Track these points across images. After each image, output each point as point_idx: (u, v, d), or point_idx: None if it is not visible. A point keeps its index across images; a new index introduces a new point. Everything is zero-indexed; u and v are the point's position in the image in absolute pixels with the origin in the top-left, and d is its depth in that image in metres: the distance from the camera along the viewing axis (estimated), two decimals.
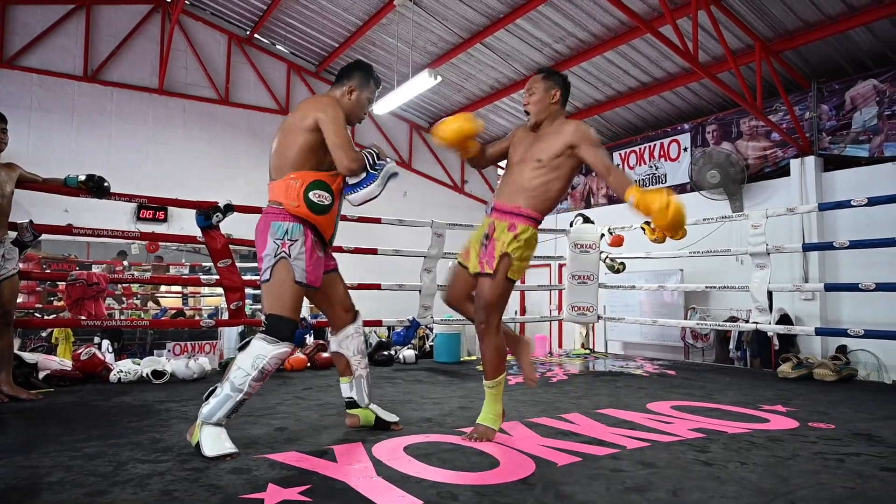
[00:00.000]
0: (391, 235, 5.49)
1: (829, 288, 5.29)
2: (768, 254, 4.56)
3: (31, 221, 3.51)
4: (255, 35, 9.49)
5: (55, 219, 4.79)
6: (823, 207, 4.92)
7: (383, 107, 8.05)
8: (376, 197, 2.30)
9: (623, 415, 2.89)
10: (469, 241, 2.55)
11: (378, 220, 4.96)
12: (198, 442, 2.07)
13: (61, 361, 3.88)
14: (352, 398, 2.52)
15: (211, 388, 2.16)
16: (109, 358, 5.67)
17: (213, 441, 2.06)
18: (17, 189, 3.38)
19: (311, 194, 2.21)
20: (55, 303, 8.25)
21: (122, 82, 8.66)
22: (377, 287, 5.02)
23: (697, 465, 2.01)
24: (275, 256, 2.19)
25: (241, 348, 2.15)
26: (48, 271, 7.09)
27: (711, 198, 7.49)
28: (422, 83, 7.10)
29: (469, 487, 1.77)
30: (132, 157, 8.58)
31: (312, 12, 8.44)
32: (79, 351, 3.93)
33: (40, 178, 3.53)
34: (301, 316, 6.09)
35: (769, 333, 5.07)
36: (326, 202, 2.25)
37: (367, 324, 5.58)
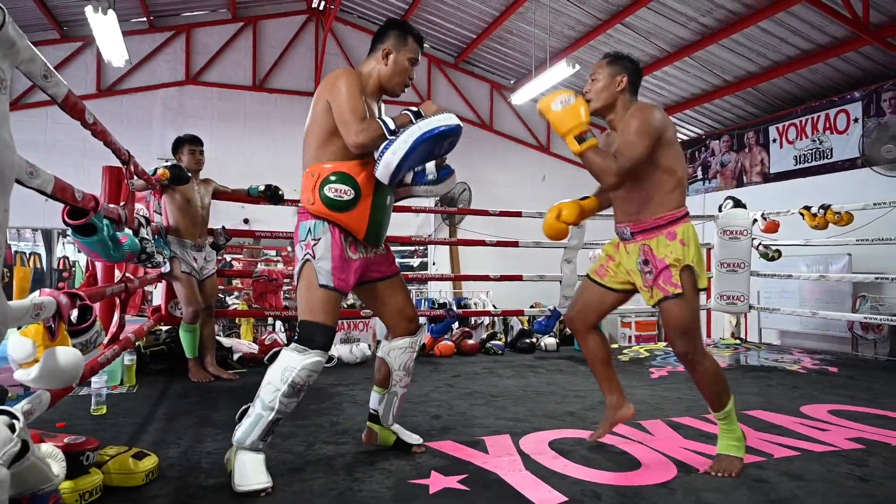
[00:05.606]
0: (533, 227, 5.62)
1: None
2: None
3: (223, 227, 4.15)
4: None
5: (234, 224, 5.49)
6: None
7: (523, 95, 8.12)
8: (400, 167, 1.90)
9: (773, 418, 2.82)
10: (601, 258, 2.30)
11: (519, 214, 5.18)
12: (230, 471, 1.87)
13: (249, 345, 4.54)
14: (377, 412, 2.25)
15: (244, 408, 1.95)
16: (282, 337, 6.47)
17: (247, 471, 1.83)
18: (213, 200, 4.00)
19: (326, 189, 1.95)
20: (235, 283, 9.41)
21: (283, 88, 9.57)
22: (519, 278, 5.24)
23: (851, 481, 1.97)
24: (301, 259, 2.01)
25: (271, 359, 1.88)
26: (236, 267, 8.12)
27: (887, 174, 6.72)
28: (559, 73, 7.08)
29: (610, 487, 1.91)
30: (295, 158, 9.46)
31: (452, 7, 8.70)
32: (263, 337, 4.57)
33: (229, 190, 4.13)
34: (445, 302, 6.43)
35: None
36: (347, 197, 1.96)
37: (507, 313, 5.88)
